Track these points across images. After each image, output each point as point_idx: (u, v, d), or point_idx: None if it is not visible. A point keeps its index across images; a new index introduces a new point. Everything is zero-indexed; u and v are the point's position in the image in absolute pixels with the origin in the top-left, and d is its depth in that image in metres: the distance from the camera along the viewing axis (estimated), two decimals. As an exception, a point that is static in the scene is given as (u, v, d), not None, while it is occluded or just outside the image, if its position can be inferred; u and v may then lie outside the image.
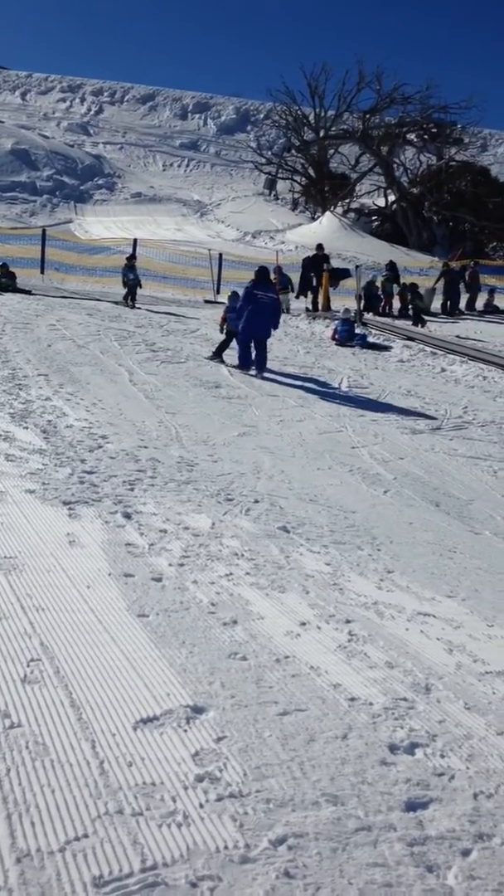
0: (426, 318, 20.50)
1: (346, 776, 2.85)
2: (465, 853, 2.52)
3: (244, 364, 12.59)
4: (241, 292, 12.92)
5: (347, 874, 2.37)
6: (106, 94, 58.65)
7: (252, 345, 12.58)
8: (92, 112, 56.39)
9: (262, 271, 13.14)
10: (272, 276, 20.26)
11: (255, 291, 12.47)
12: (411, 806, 2.72)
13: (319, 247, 21.16)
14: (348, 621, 4.32)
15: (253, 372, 12.39)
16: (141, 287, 18.50)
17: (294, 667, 3.67)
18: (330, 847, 2.48)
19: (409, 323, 19.71)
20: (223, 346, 13.15)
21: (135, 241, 22.64)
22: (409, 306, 20.63)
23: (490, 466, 8.94)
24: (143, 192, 44.72)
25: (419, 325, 19.31)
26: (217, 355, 13.09)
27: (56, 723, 3.00)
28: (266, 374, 12.46)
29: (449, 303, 22.29)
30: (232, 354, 12.95)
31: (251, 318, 12.40)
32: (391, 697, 3.47)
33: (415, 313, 20.32)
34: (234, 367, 12.57)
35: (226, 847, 2.44)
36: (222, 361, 12.91)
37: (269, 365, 13.01)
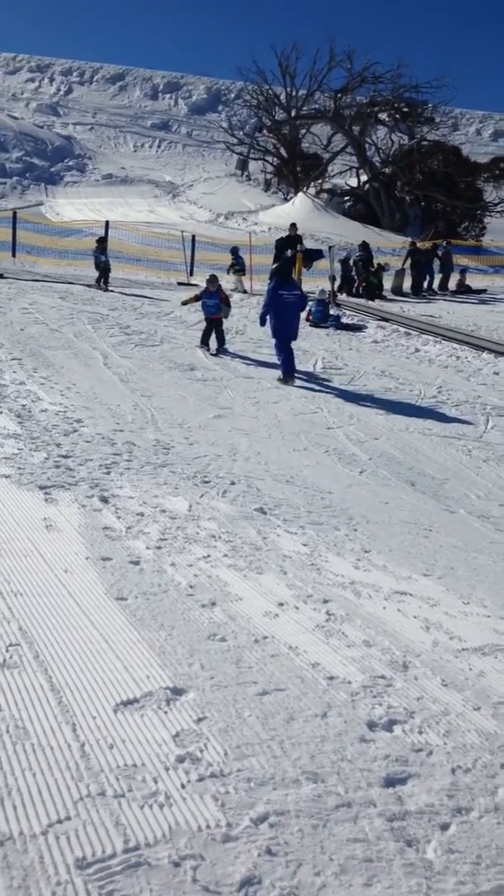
0: (389, 296, 20.75)
1: (325, 754, 2.88)
2: (444, 827, 2.56)
3: (290, 371, 11.24)
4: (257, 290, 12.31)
5: (328, 850, 2.40)
6: (75, 73, 57.90)
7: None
8: (61, 92, 55.67)
9: (285, 268, 12.25)
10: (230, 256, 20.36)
11: (281, 291, 11.36)
12: (390, 782, 2.76)
13: (293, 227, 21.06)
14: (326, 601, 4.34)
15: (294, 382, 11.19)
16: (110, 270, 18.34)
17: (273, 647, 3.69)
18: (311, 824, 2.51)
19: (370, 301, 19.97)
20: (206, 334, 12.88)
21: (107, 223, 22.40)
22: (364, 283, 20.77)
23: (464, 446, 9.00)
24: (114, 173, 44.25)
25: (373, 301, 19.78)
26: (204, 343, 12.81)
27: (36, 707, 3.00)
28: (232, 354, 12.50)
29: (417, 282, 22.30)
30: (230, 348, 12.88)
31: (283, 320, 11.31)
32: (369, 675, 3.50)
33: (367, 289, 20.62)
34: (278, 379, 11.17)
35: (208, 826, 2.46)
36: (209, 348, 12.68)
37: (243, 347, 13.01)
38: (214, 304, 12.79)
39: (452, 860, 2.41)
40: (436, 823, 2.57)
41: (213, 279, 13.20)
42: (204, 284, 13.42)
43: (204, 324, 13.08)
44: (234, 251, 20.40)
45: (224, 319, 12.99)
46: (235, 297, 18.15)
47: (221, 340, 12.84)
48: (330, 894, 2.24)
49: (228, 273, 19.87)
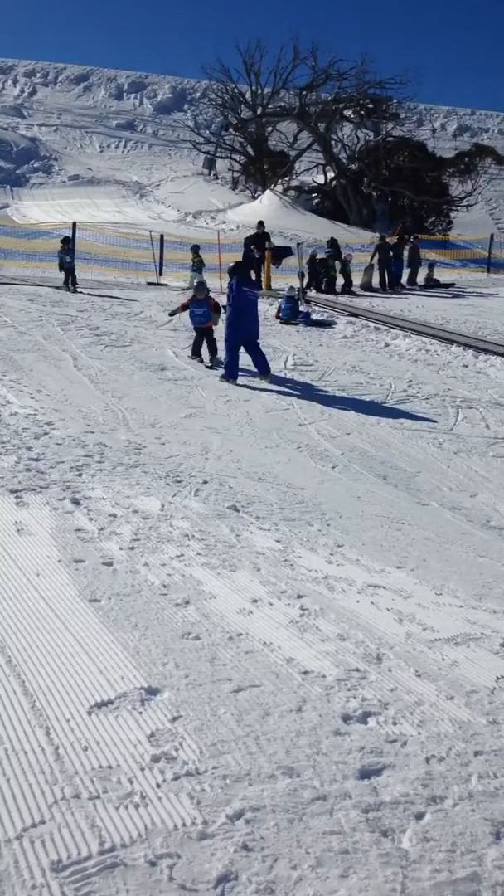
0: (359, 291, 20.93)
1: (301, 748, 2.88)
2: (419, 816, 2.58)
3: (233, 373, 10.98)
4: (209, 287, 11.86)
5: (305, 843, 2.41)
6: (39, 75, 57.47)
7: (242, 349, 11.18)
8: (25, 94, 55.23)
9: (243, 266, 11.95)
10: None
11: (245, 289, 11.16)
12: (365, 773, 2.77)
13: (260, 224, 21.09)
14: (300, 596, 4.36)
15: (240, 382, 10.95)
16: (74, 271, 18.23)
17: (247, 644, 3.69)
18: (287, 818, 2.51)
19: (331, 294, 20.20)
20: (196, 344, 12.14)
21: (74, 224, 22.26)
22: (324, 279, 20.90)
23: (435, 438, 9.06)
24: (80, 174, 43.95)
25: (333, 294, 20.07)
26: (196, 354, 12.06)
27: (9, 711, 2.99)
28: (204, 353, 12.41)
29: (386, 277, 22.40)
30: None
31: (239, 318, 11.03)
32: (343, 669, 3.52)
33: (327, 283, 20.84)
34: (221, 378, 10.99)
35: (184, 824, 2.45)
36: (201, 360, 11.96)
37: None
38: (203, 312, 11.88)
39: (428, 848, 2.43)
40: (411, 813, 2.58)
41: (201, 286, 12.39)
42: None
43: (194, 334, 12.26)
44: (196, 249, 20.37)
45: (214, 327, 12.10)
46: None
47: (213, 350, 11.97)
48: (307, 887, 2.25)
49: (193, 271, 19.85)
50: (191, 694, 3.19)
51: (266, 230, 20.81)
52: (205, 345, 12.07)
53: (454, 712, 3.23)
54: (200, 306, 11.93)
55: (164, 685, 3.24)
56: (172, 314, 13.27)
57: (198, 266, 19.80)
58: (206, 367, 11.77)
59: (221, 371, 11.22)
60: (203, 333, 12.09)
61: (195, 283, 13.09)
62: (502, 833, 2.51)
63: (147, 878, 2.24)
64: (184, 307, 12.33)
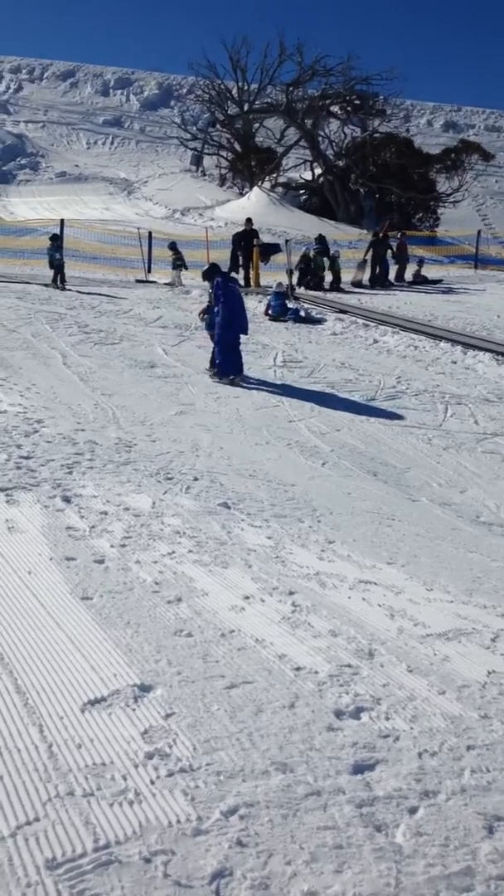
0: (348, 288, 20.97)
1: (294, 744, 2.89)
2: (412, 811, 2.59)
3: (230, 370, 10.79)
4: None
5: (299, 839, 2.42)
6: (24, 71, 57.17)
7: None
8: (11, 90, 54.93)
9: (216, 267, 11.58)
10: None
11: (230, 285, 11.02)
12: (359, 769, 2.78)
13: (248, 221, 21.08)
14: (291, 593, 4.36)
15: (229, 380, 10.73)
16: (63, 268, 18.20)
17: (239, 640, 3.70)
18: (281, 814, 2.52)
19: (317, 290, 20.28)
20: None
21: (62, 221, 22.18)
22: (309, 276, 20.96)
23: (424, 434, 9.09)
24: (67, 171, 43.80)
25: (322, 291, 20.16)
26: (215, 366, 11.12)
27: (2, 709, 2.98)
28: (199, 350, 12.39)
29: (381, 274, 22.44)
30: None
31: (234, 313, 10.75)
32: (336, 665, 3.53)
33: (315, 280, 20.93)
34: (213, 376, 10.81)
35: (178, 821, 2.46)
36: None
37: (205, 343, 12.97)
38: None
39: (421, 843, 2.44)
40: (404, 807, 2.59)
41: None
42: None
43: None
44: (173, 246, 20.34)
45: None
46: (176, 291, 18.24)
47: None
48: (301, 882, 2.26)
49: (173, 269, 19.85)
50: (184, 691, 3.20)
51: (254, 227, 20.79)
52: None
53: (446, 707, 3.24)
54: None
55: (157, 682, 3.25)
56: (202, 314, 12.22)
57: (179, 263, 19.81)
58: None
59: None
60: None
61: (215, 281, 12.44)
62: (495, 827, 2.53)
63: (142, 874, 2.24)
64: (205, 311, 11.70)
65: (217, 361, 10.92)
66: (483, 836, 2.48)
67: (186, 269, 19.62)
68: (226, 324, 10.77)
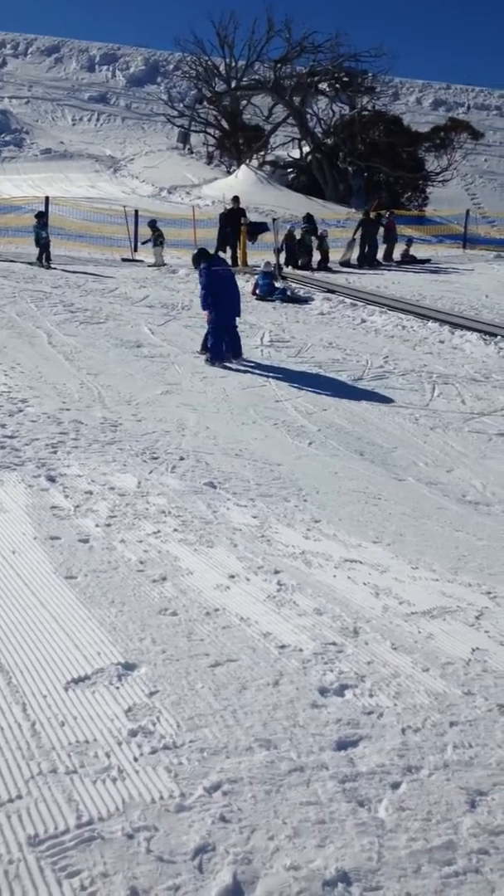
0: (335, 268, 20.92)
1: (278, 721, 2.90)
2: (395, 786, 2.60)
3: (220, 355, 10.71)
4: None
5: (282, 814, 2.43)
6: (9, 46, 56.36)
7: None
8: (-5, 65, 54.21)
9: (204, 251, 11.38)
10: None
11: (214, 268, 10.77)
12: (342, 745, 2.79)
13: (235, 199, 20.93)
14: (277, 572, 4.37)
15: (231, 363, 10.68)
16: (49, 246, 18.05)
17: (224, 619, 3.70)
18: (264, 790, 2.53)
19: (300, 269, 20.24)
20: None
21: (46, 199, 21.94)
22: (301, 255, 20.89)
23: (411, 414, 9.10)
24: (53, 147, 43.30)
25: (309, 271, 20.15)
26: (205, 349, 10.99)
27: (-15, 689, 2.97)
28: (185, 329, 12.33)
29: (370, 253, 22.37)
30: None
31: (223, 296, 10.61)
32: (320, 643, 3.54)
33: (303, 259, 20.86)
34: (207, 361, 10.66)
35: (161, 797, 2.46)
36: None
37: (190, 322, 12.91)
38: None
39: (403, 818, 2.45)
40: (387, 783, 2.61)
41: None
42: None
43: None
44: (153, 224, 20.18)
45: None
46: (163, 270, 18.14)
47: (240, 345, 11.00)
48: (284, 857, 2.27)
49: (154, 246, 19.71)
50: (168, 669, 3.20)
51: (241, 206, 20.65)
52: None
53: (430, 684, 3.26)
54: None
55: (142, 661, 3.24)
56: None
57: (160, 240, 19.70)
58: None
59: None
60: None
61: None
62: (477, 801, 2.54)
63: (124, 850, 2.24)
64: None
65: (209, 345, 10.81)
66: (465, 810, 2.50)
67: (164, 245, 19.57)
68: (212, 308, 10.67)
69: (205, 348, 10.93)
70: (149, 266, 19.37)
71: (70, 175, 38.51)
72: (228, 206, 21.12)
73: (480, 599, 4.27)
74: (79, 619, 3.57)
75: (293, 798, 2.50)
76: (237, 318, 11.03)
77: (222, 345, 10.79)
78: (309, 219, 22.53)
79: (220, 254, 19.90)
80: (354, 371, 10.87)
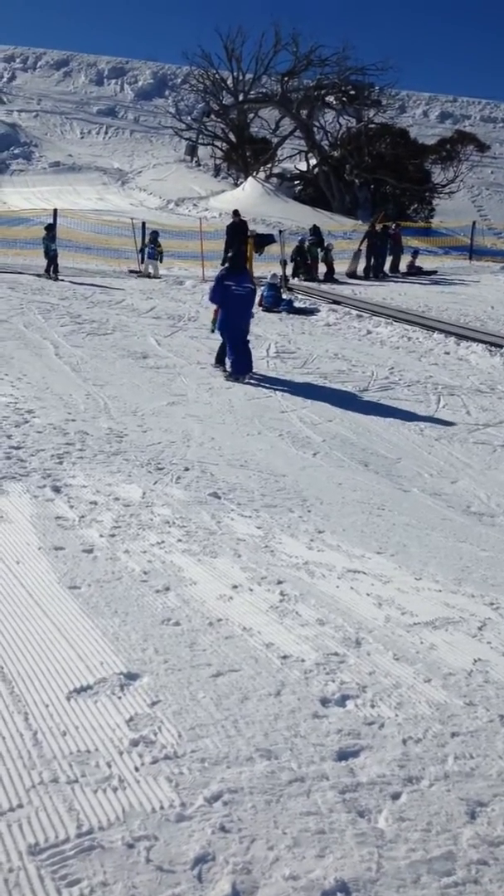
0: (342, 279, 20.98)
1: (279, 731, 2.90)
2: (395, 796, 2.60)
3: (243, 368, 10.45)
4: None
5: (282, 824, 2.43)
6: (18, 60, 56.82)
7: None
8: (4, 79, 54.60)
9: (235, 260, 11.24)
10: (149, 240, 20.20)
11: (228, 283, 10.38)
12: (343, 755, 2.79)
13: (236, 213, 21.06)
14: (280, 582, 4.37)
15: (246, 379, 10.41)
16: (57, 259, 18.17)
17: (227, 629, 3.71)
18: (264, 800, 2.53)
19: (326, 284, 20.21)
20: (221, 351, 10.87)
21: (55, 211, 22.07)
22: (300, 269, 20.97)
23: (416, 425, 9.09)
24: (61, 160, 43.59)
25: (316, 282, 20.28)
26: (220, 362, 10.82)
27: (-13, 698, 2.98)
28: (192, 340, 12.35)
29: (376, 264, 22.42)
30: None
31: (229, 314, 10.38)
32: (323, 653, 3.54)
33: (309, 271, 20.99)
34: (226, 376, 10.45)
35: (161, 807, 2.47)
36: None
37: (197, 333, 12.94)
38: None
39: (403, 828, 2.46)
40: (387, 793, 2.61)
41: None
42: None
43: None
44: (155, 237, 20.27)
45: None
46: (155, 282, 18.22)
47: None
48: (283, 867, 2.27)
49: (152, 259, 19.82)
50: (170, 679, 3.21)
51: (243, 218, 20.76)
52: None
53: (431, 694, 3.26)
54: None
55: (144, 670, 3.25)
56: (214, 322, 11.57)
57: (157, 254, 19.79)
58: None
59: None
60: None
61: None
62: (477, 812, 2.54)
63: (124, 860, 2.25)
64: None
65: (230, 360, 10.56)
66: (465, 821, 2.50)
67: (161, 262, 19.72)
68: (222, 324, 10.58)
69: (219, 362, 10.82)
70: (150, 277, 19.44)
71: (78, 188, 38.75)
72: (231, 219, 21.24)
73: (483, 610, 4.27)
74: (82, 629, 3.58)
75: (293, 808, 2.50)
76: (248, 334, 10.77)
77: (241, 359, 10.46)
78: (315, 230, 22.61)
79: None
80: (360, 382, 10.88)
